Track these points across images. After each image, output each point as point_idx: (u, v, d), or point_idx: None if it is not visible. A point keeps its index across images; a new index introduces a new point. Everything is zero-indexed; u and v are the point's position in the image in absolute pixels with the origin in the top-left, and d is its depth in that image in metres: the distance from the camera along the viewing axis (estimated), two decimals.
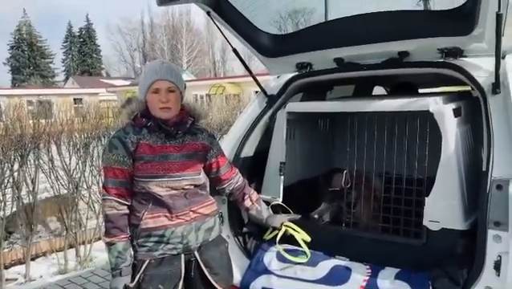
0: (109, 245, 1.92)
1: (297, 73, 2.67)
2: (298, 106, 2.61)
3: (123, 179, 1.93)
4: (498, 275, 1.71)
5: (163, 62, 2.08)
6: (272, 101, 2.69)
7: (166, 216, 1.95)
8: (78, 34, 60.28)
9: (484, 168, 1.85)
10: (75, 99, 26.59)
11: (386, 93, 4.15)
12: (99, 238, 5.04)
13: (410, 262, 2.02)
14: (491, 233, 1.74)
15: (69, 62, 59.91)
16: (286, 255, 2.24)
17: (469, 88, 3.19)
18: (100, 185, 4.95)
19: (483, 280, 1.76)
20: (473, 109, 2.24)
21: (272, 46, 2.59)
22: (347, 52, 2.43)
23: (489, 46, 2.02)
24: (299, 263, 2.22)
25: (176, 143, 2.02)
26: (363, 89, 3.71)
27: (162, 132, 1.98)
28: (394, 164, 2.31)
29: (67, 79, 54.07)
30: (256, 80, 2.70)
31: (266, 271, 2.26)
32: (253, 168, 2.62)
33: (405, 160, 2.28)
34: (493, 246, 1.73)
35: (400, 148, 2.31)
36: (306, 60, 2.61)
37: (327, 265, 2.17)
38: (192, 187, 2.04)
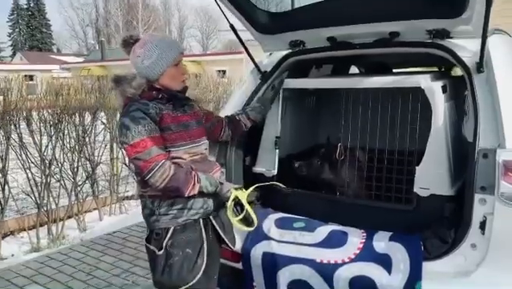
0: (200, 188, 1.97)
1: (290, 50, 2.77)
2: (294, 82, 2.72)
3: (162, 145, 1.95)
4: (483, 234, 1.93)
5: (166, 35, 2.17)
6: (266, 77, 2.79)
7: None
8: (26, 6, 57.04)
9: (471, 140, 2.05)
10: (25, 76, 25.28)
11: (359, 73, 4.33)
12: (71, 216, 5.01)
13: (401, 227, 2.21)
14: (477, 196, 1.95)
15: (16, 36, 56.73)
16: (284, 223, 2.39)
17: (436, 69, 3.44)
18: (70, 163, 4.93)
19: (469, 238, 1.97)
20: (455, 87, 2.44)
21: (267, 24, 2.67)
22: (339, 31, 2.56)
23: (475, 28, 2.20)
24: (298, 229, 2.37)
25: (186, 112, 2.11)
26: (341, 68, 3.87)
27: (171, 104, 2.04)
28: (386, 137, 2.48)
29: (14, 54, 51.25)
30: (251, 57, 2.79)
31: (266, 237, 2.38)
32: (248, 142, 2.73)
33: (397, 133, 2.46)
34: (478, 208, 1.95)
35: (392, 122, 2.49)
36: (299, 38, 2.71)
37: (324, 230, 2.32)
38: (206, 152, 2.18)
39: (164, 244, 2.00)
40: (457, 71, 2.70)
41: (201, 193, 2.01)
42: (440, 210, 2.16)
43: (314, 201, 2.60)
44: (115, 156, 5.70)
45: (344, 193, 2.57)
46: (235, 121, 2.50)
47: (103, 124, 5.61)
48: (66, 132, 4.97)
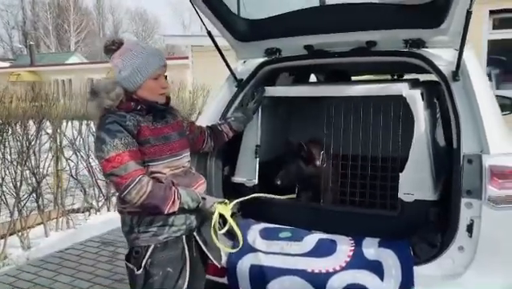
0: (180, 204, 1.87)
1: (267, 58, 2.74)
2: (274, 91, 2.69)
3: (140, 160, 1.84)
4: (470, 236, 2.01)
5: (149, 45, 2.04)
6: (243, 86, 2.74)
7: None
8: None
9: (455, 146, 2.13)
10: None
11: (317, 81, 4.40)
12: (13, 233, 4.62)
13: (387, 232, 2.25)
14: (464, 200, 2.02)
15: None
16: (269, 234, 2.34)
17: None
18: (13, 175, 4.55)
19: (457, 241, 2.04)
20: (429, 94, 2.53)
21: (244, 31, 2.63)
22: (316, 40, 2.57)
23: (451, 39, 2.30)
24: (285, 239, 2.33)
25: (168, 123, 2.02)
26: (301, 77, 3.90)
27: (151, 115, 1.94)
28: (369, 144, 2.52)
29: None
30: (227, 64, 2.72)
31: (252, 249, 2.33)
32: (227, 151, 2.66)
33: (380, 140, 2.50)
34: (465, 211, 2.02)
35: (375, 129, 2.53)
36: (275, 46, 2.69)
37: (312, 239, 2.30)
38: (189, 164, 2.09)
39: (143, 263, 1.90)
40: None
41: (183, 209, 1.92)
42: (424, 215, 2.22)
43: (298, 209, 2.57)
44: (59, 167, 5.36)
45: (328, 200, 2.57)
46: (217, 132, 2.42)
47: (48, 134, 5.25)
48: (7, 143, 4.59)
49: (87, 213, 5.65)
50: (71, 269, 4.00)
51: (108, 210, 5.70)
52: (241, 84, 2.73)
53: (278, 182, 2.61)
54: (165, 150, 1.92)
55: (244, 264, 2.28)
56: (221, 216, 2.00)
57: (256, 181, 2.59)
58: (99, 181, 5.71)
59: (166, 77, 2.02)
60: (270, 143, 2.73)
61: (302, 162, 2.64)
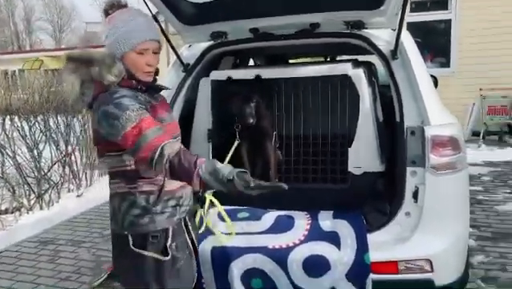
0: (206, 168, 1.51)
1: (213, 42, 2.74)
2: (222, 74, 2.70)
3: (159, 126, 1.64)
4: (416, 202, 2.18)
5: (145, 14, 1.81)
6: (190, 71, 2.72)
7: None
8: None
9: (398, 120, 2.30)
10: None
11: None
12: None
13: (340, 205, 2.38)
14: (409, 170, 2.19)
15: None
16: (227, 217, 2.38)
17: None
18: None
19: (404, 208, 2.21)
20: (369, 73, 2.68)
21: (190, 14, 2.60)
22: (262, 23, 2.61)
23: (388, 20, 2.45)
24: (243, 219, 2.38)
25: (162, 106, 1.85)
26: (242, 62, 3.93)
27: (147, 94, 1.77)
28: (319, 124, 2.63)
29: None
30: (174, 50, 2.69)
31: (212, 232, 2.34)
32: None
33: (329, 118, 2.62)
34: (410, 180, 2.19)
35: (323, 108, 2.64)
36: (221, 29, 2.70)
37: (270, 217, 2.38)
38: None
39: (167, 247, 1.75)
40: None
41: (188, 186, 1.77)
42: (373, 186, 2.38)
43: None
44: None
45: (283, 178, 2.65)
46: None
47: None
48: None
49: (17, 213, 5.31)
50: (9, 272, 3.76)
51: (41, 209, 5.39)
52: (188, 69, 2.71)
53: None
54: (172, 129, 1.80)
55: (206, 247, 2.29)
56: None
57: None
58: (29, 179, 5.38)
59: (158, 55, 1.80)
60: (222, 126, 2.75)
61: (254, 143, 2.69)
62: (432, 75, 4.01)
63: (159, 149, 1.54)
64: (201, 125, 2.66)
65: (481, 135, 7.58)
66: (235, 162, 2.56)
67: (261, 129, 2.71)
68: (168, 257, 1.75)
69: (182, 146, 1.64)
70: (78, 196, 5.75)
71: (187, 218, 1.89)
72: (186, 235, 1.86)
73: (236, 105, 2.59)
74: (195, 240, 1.94)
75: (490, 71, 7.55)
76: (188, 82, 2.70)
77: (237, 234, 2.32)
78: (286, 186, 1.57)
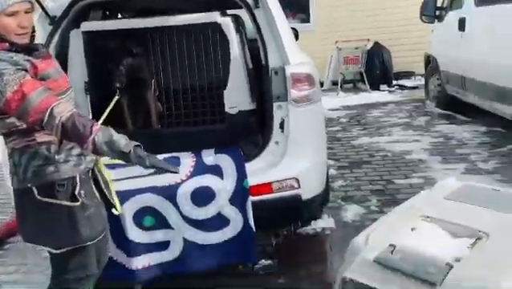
0: (103, 137, 1.56)
1: None
2: (93, 25, 2.69)
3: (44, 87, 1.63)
4: (282, 132, 2.54)
5: None
6: (57, 23, 2.66)
7: None
8: None
9: (263, 62, 2.59)
10: None
11: None
12: None
13: (220, 142, 2.64)
14: (275, 104, 2.53)
15: None
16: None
17: None
18: None
19: (273, 138, 2.55)
20: (236, 23, 2.92)
21: None
22: None
23: None
24: (130, 165, 2.50)
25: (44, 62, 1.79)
26: (112, 13, 3.88)
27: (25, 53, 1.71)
28: (195, 71, 2.81)
29: None
30: (38, 1, 2.58)
31: None
32: None
33: (204, 65, 2.81)
34: (277, 113, 2.53)
35: (198, 55, 2.82)
36: None
37: None
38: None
39: (76, 195, 1.76)
40: None
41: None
42: (247, 122, 2.68)
43: (138, 136, 2.73)
44: None
45: (165, 124, 2.81)
46: None
47: None
48: None
49: None
50: None
51: None
52: (55, 22, 2.66)
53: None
54: (60, 84, 1.78)
55: None
56: None
57: (90, 117, 2.63)
58: None
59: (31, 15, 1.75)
60: (99, 79, 2.77)
61: (134, 95, 2.78)
62: (293, 28, 4.43)
63: (48, 111, 1.56)
64: (76, 77, 2.64)
65: (339, 84, 8.49)
66: (116, 114, 2.66)
67: (139, 80, 2.80)
68: (78, 202, 1.77)
69: (75, 110, 1.67)
70: None
71: (96, 170, 1.93)
72: (93, 185, 1.90)
73: (111, 57, 2.64)
74: (105, 192, 1.97)
75: (344, 24, 8.42)
76: (57, 34, 2.65)
77: (126, 178, 2.44)
78: (178, 170, 1.79)
